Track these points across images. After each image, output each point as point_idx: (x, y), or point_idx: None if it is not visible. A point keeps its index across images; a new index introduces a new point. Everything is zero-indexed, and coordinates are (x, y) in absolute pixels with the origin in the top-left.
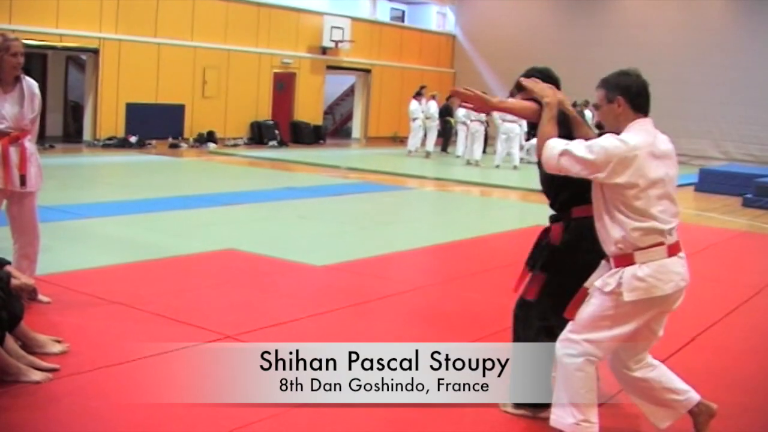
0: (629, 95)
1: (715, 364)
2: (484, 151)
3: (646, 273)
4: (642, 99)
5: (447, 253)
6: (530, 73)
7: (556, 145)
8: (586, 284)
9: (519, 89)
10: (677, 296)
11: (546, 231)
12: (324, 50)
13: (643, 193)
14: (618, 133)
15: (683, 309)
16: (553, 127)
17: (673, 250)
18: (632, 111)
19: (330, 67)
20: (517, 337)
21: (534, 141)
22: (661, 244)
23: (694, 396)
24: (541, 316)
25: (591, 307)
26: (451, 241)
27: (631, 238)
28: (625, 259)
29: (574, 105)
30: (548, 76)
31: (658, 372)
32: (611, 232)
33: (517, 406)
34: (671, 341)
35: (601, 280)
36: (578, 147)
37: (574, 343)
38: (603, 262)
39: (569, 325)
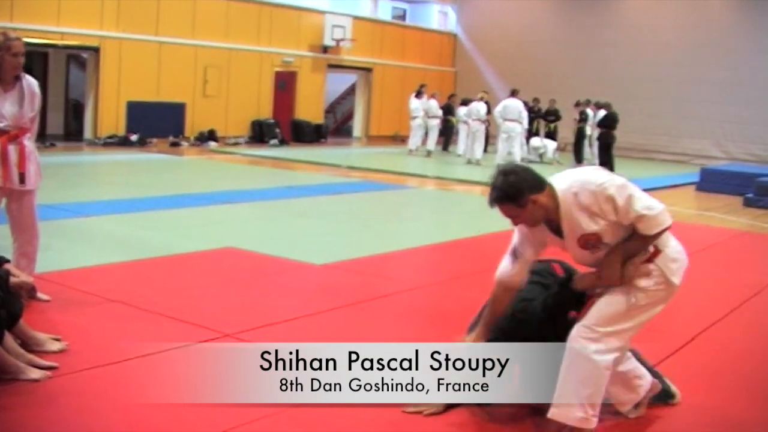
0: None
1: (714, 363)
2: (485, 150)
3: (676, 252)
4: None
5: (448, 252)
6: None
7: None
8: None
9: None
10: None
11: None
12: (325, 49)
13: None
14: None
15: (683, 308)
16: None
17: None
18: (542, 192)
19: (331, 66)
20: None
21: (534, 140)
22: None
23: (650, 377)
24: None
25: (621, 301)
26: (452, 240)
27: None
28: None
29: (577, 104)
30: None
31: (632, 359)
32: None
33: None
34: (671, 341)
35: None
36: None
37: (606, 337)
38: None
39: (595, 321)
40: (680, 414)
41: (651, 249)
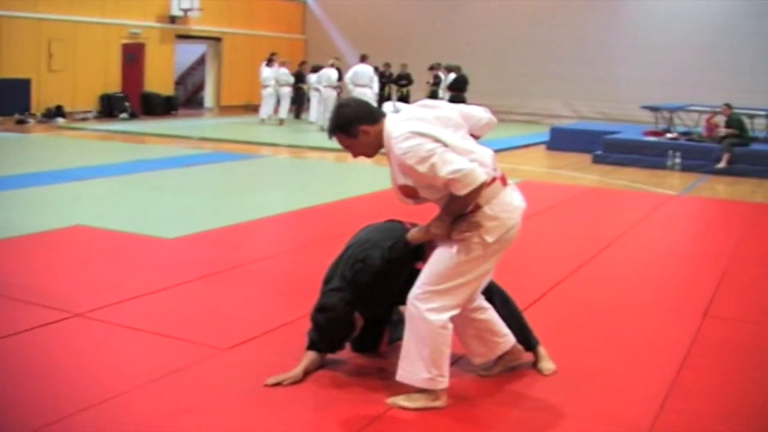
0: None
1: (565, 318)
2: None
3: (496, 210)
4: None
5: (301, 219)
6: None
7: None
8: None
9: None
10: (518, 225)
11: None
12: (173, 19)
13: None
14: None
15: (533, 265)
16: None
17: (504, 181)
18: (374, 124)
19: (180, 37)
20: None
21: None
22: (494, 179)
23: (511, 340)
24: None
25: (446, 258)
26: (306, 207)
27: None
28: (472, 210)
29: (431, 68)
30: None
31: (488, 314)
32: None
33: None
34: (523, 297)
35: (456, 231)
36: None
37: (436, 296)
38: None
39: (425, 280)
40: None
41: (472, 206)
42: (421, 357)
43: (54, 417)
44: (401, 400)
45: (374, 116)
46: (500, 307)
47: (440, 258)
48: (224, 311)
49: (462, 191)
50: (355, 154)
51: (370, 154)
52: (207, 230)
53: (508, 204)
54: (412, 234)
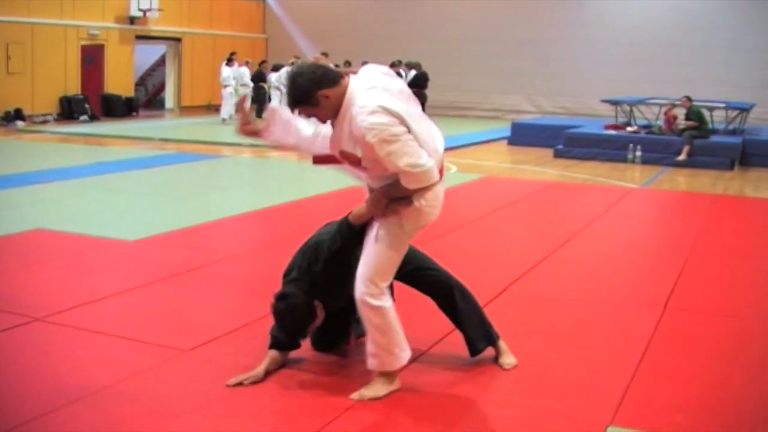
0: (321, 84)
1: (527, 312)
2: None
3: (426, 204)
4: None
5: (263, 219)
6: None
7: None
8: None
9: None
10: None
11: None
12: (132, 20)
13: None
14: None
15: (495, 260)
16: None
17: (442, 173)
18: (335, 86)
19: (139, 37)
20: None
21: None
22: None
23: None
24: None
25: (376, 249)
26: (268, 206)
27: None
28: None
29: (392, 65)
30: None
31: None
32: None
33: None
34: (485, 292)
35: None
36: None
37: (374, 285)
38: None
39: (363, 276)
40: (494, 367)
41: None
42: (386, 346)
43: (14, 422)
44: (366, 392)
45: (333, 78)
46: (460, 301)
47: (371, 240)
48: (186, 313)
49: (412, 185)
50: (323, 120)
51: (333, 118)
52: (168, 232)
53: (438, 199)
54: (354, 214)
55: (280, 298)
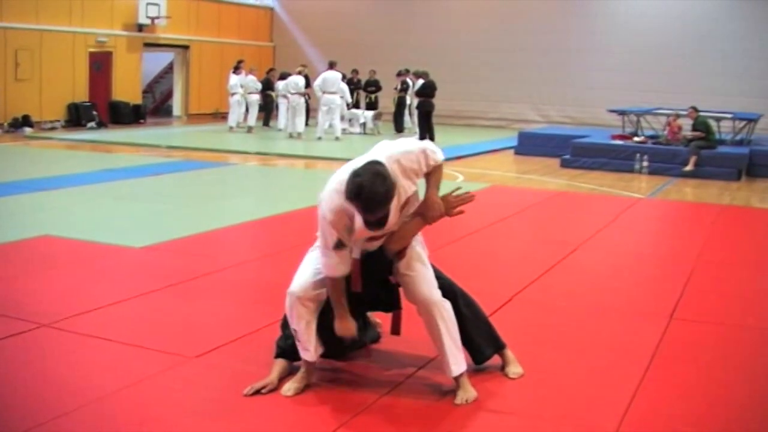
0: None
1: (533, 322)
2: (306, 124)
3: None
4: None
5: (270, 227)
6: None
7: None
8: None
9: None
10: None
11: None
12: (140, 27)
13: None
14: None
15: (502, 269)
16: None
17: None
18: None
19: (147, 45)
20: None
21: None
22: None
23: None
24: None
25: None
26: (274, 214)
27: None
28: None
29: (399, 74)
30: None
31: None
32: None
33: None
34: (491, 300)
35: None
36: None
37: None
38: None
39: (432, 281)
40: (501, 375)
41: None
42: (456, 348)
43: (21, 427)
44: (469, 394)
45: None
46: (465, 309)
47: (420, 269)
48: (192, 320)
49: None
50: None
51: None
52: (175, 239)
53: None
54: (388, 243)
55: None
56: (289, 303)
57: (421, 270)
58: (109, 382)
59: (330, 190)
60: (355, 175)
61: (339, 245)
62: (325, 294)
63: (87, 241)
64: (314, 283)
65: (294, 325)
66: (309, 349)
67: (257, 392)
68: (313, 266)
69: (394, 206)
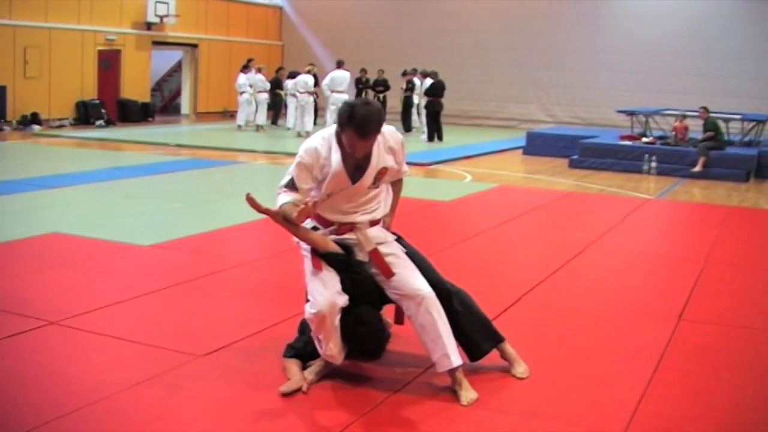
0: None
1: (540, 322)
2: (315, 122)
3: None
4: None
5: (277, 226)
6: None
7: None
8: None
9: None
10: None
11: None
12: (149, 26)
13: None
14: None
15: (510, 270)
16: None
17: None
18: None
19: (156, 43)
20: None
21: None
22: None
23: None
24: None
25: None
26: None
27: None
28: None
29: (404, 73)
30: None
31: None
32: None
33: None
34: (498, 301)
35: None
36: None
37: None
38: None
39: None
40: (506, 375)
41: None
42: (452, 336)
43: (29, 425)
44: (469, 395)
45: None
46: (459, 306)
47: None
48: (200, 318)
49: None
50: (359, 154)
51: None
52: (183, 237)
53: None
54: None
55: (360, 323)
56: (317, 321)
57: (404, 266)
58: (117, 380)
59: (312, 137)
60: (347, 104)
61: (291, 185)
62: (345, 299)
63: (95, 238)
64: (337, 294)
65: (320, 335)
66: (335, 354)
67: (296, 391)
68: (322, 280)
69: (376, 152)
